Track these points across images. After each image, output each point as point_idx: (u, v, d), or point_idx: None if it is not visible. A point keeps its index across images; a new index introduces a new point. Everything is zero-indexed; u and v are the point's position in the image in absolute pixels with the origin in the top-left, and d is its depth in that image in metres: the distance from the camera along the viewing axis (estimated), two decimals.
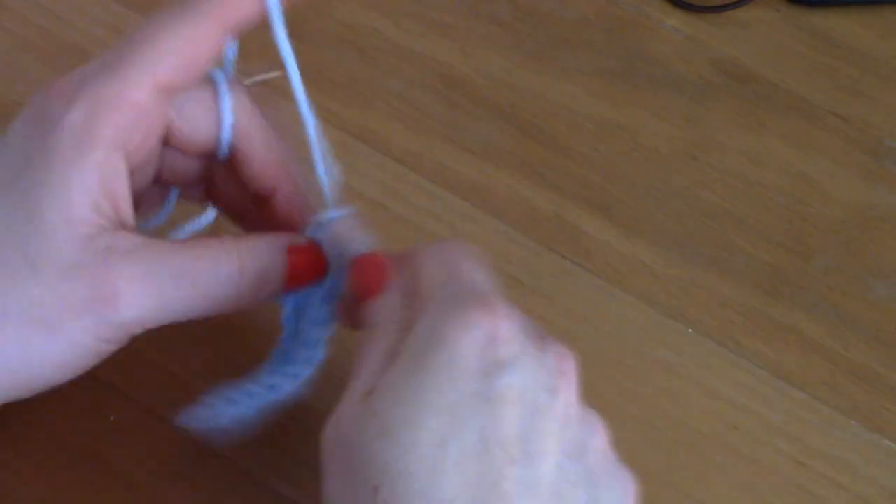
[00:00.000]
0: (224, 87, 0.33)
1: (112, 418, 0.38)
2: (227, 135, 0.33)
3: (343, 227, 0.33)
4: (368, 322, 0.31)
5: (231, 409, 0.32)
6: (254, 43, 0.35)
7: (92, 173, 0.29)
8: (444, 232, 0.43)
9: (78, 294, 0.28)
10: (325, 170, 0.34)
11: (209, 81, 0.33)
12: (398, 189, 0.44)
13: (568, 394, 0.28)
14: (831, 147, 0.48)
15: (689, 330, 0.42)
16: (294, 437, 0.38)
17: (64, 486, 0.36)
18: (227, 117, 0.33)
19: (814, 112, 0.49)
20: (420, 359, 0.27)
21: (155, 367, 0.39)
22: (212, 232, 0.40)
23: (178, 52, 0.31)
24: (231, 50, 0.37)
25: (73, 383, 0.38)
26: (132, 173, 0.31)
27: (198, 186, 0.36)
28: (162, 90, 0.31)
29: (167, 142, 0.33)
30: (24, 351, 0.29)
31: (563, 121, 0.48)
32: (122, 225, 0.30)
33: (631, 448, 0.40)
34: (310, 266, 0.32)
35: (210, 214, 0.39)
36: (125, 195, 0.31)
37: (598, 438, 0.29)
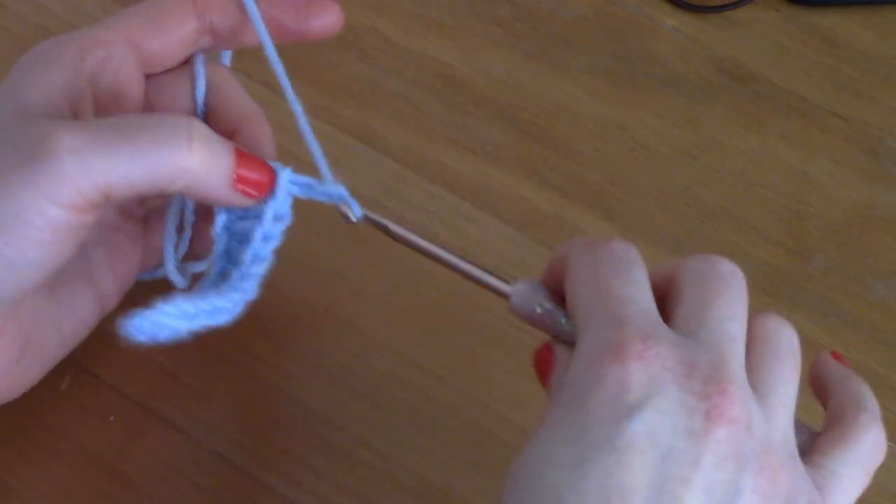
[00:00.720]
0: (199, 55, 0.35)
1: (112, 418, 0.38)
2: (201, 89, 0.35)
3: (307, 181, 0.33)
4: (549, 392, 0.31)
5: (171, 323, 0.31)
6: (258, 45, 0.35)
7: (48, 79, 0.31)
8: (444, 232, 0.43)
9: (13, 147, 0.28)
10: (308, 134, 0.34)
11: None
12: (398, 189, 0.44)
13: (719, 433, 0.26)
14: (831, 147, 0.48)
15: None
16: (294, 437, 0.38)
17: (64, 486, 0.36)
18: (201, 69, 0.35)
19: (814, 112, 0.49)
20: (560, 414, 0.27)
21: (155, 367, 0.39)
22: None
23: (143, 14, 0.33)
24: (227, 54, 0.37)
25: (74, 383, 0.38)
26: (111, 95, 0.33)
27: None
28: (130, 41, 0.33)
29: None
30: None
31: (563, 121, 0.48)
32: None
33: None
34: (258, 172, 0.32)
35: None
36: (86, 109, 0.32)
37: (763, 479, 0.26)
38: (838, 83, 0.50)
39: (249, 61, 0.39)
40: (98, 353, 0.38)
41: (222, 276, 0.33)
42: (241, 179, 0.31)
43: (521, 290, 0.32)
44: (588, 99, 0.48)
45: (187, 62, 0.35)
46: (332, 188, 0.33)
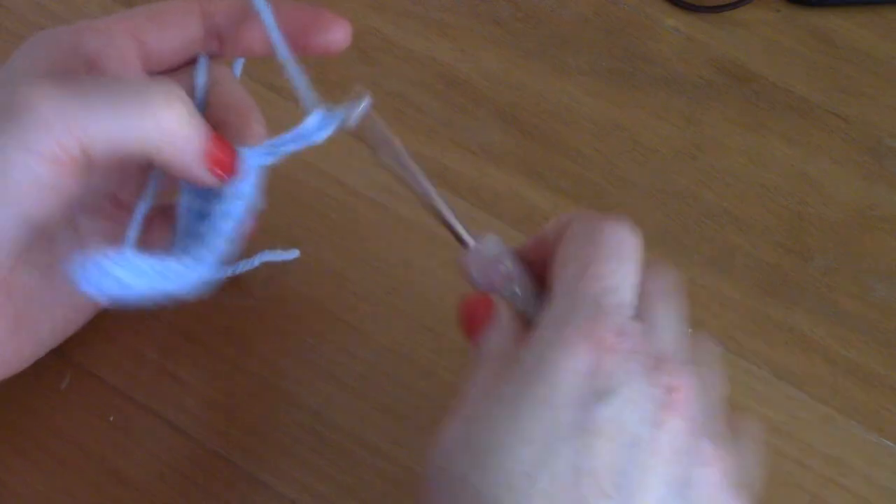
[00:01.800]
0: (202, 56, 0.35)
1: (112, 418, 0.38)
2: (201, 81, 0.35)
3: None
4: (478, 350, 0.31)
5: (117, 273, 0.30)
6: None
7: (44, 57, 0.31)
8: (443, 232, 0.43)
9: None
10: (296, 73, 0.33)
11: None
12: (398, 189, 0.44)
13: (676, 425, 0.27)
14: (831, 147, 0.48)
15: (689, 330, 0.42)
16: (294, 436, 0.38)
17: (64, 485, 0.36)
18: (203, 65, 0.35)
19: (814, 112, 0.49)
20: (521, 388, 0.27)
21: (155, 368, 0.39)
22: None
23: (147, 12, 0.34)
24: (238, 64, 0.37)
25: (74, 383, 0.38)
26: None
27: None
28: (132, 33, 0.33)
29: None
30: None
31: (563, 121, 0.48)
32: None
33: None
34: (226, 152, 0.32)
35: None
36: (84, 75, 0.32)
37: (710, 470, 0.28)
38: (838, 83, 0.50)
39: (249, 59, 0.39)
40: (98, 353, 0.38)
41: (182, 251, 0.33)
42: (210, 155, 0.31)
43: (491, 243, 0.32)
44: (588, 99, 0.48)
45: (191, 65, 0.35)
46: (313, 121, 0.33)
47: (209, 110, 0.35)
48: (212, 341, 0.40)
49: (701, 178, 0.47)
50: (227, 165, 0.32)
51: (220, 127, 0.33)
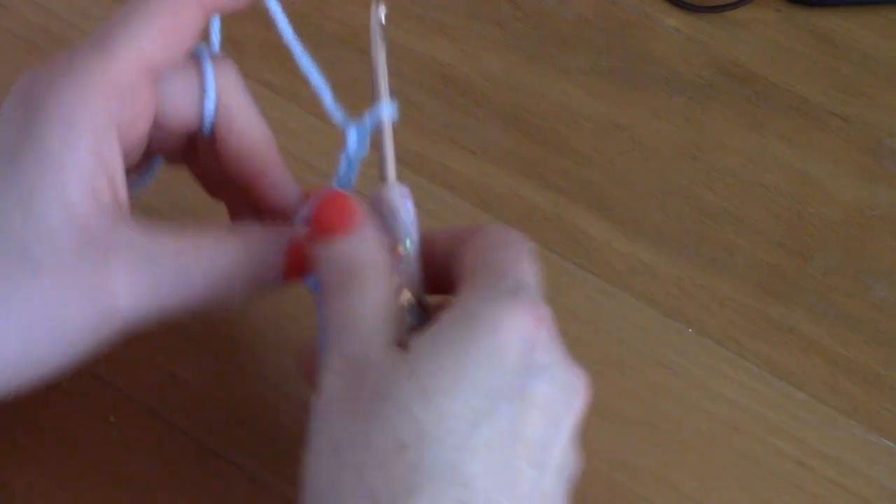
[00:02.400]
0: (208, 64, 0.33)
1: (112, 418, 0.38)
2: (210, 111, 0.33)
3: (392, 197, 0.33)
4: (338, 263, 0.30)
5: None
6: (253, 41, 0.35)
7: (86, 155, 0.29)
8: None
9: (77, 292, 0.28)
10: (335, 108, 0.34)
11: (193, 58, 0.33)
12: None
13: (577, 415, 0.29)
14: (831, 147, 0.48)
15: (689, 330, 0.42)
16: (294, 436, 0.38)
17: (64, 485, 0.36)
18: (211, 94, 0.33)
19: (814, 112, 0.49)
20: (467, 333, 0.27)
21: (155, 368, 0.39)
22: None
23: (162, 29, 0.30)
24: (216, 24, 0.36)
25: (74, 383, 0.38)
26: (125, 154, 0.31)
27: (181, 156, 0.36)
28: (149, 68, 0.30)
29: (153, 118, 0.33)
30: (25, 345, 0.28)
31: (563, 121, 0.48)
32: (118, 206, 0.30)
33: (631, 448, 0.40)
34: (308, 260, 0.32)
35: None
36: (120, 174, 0.30)
37: (572, 470, 0.30)
38: (838, 83, 0.50)
39: (249, 59, 0.39)
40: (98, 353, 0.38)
41: None
42: (292, 274, 0.32)
43: (405, 190, 0.32)
44: (588, 99, 0.48)
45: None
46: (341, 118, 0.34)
47: (222, 143, 0.34)
48: (212, 342, 0.40)
49: (701, 178, 0.47)
50: (311, 265, 0.32)
51: (238, 167, 0.34)
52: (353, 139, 0.33)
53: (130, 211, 0.31)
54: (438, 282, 0.32)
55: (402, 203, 0.32)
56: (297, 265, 0.32)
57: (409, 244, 0.32)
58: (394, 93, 0.48)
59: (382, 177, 0.33)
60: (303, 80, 0.48)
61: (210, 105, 0.33)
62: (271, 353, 0.40)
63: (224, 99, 0.33)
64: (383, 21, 0.34)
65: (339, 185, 0.34)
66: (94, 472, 0.37)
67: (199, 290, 0.30)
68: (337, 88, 0.33)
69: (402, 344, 0.28)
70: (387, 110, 0.34)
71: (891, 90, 0.50)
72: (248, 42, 0.35)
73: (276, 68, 0.47)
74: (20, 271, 0.28)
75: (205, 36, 0.34)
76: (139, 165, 0.35)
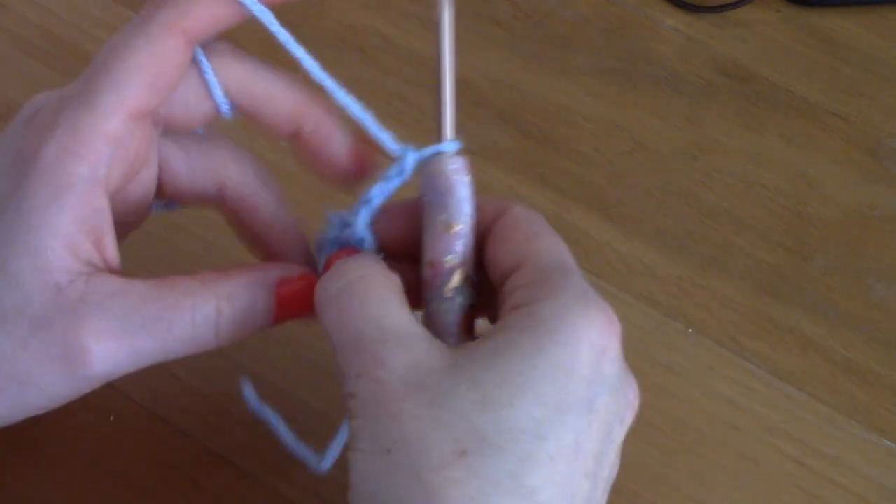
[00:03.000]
0: (204, 59, 0.31)
1: (112, 418, 0.38)
2: (220, 98, 0.32)
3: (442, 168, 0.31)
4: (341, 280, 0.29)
5: None
6: (252, 40, 0.35)
7: (67, 215, 0.28)
8: None
9: (47, 351, 0.28)
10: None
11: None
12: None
13: (627, 426, 0.29)
14: (831, 147, 0.48)
15: (689, 330, 0.42)
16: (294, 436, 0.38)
17: (64, 485, 0.36)
18: (216, 88, 0.32)
19: (814, 112, 0.49)
20: (536, 343, 0.27)
21: (155, 368, 0.39)
22: None
23: (148, 73, 0.29)
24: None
25: None
26: (134, 202, 0.31)
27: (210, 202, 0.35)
28: (137, 115, 0.29)
29: (175, 127, 0.32)
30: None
31: (563, 121, 0.48)
32: (103, 264, 0.29)
33: (631, 448, 0.40)
34: (303, 300, 0.31)
35: None
36: (107, 231, 0.30)
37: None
38: (838, 83, 0.50)
39: (243, 48, 0.39)
40: None
41: None
42: (282, 315, 0.31)
43: (463, 163, 0.31)
44: (588, 99, 0.48)
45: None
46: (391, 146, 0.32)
47: (259, 118, 0.33)
48: None
49: (701, 178, 0.47)
50: (307, 306, 0.31)
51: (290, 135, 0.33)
52: (409, 165, 0.31)
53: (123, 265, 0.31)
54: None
55: (461, 178, 0.30)
56: (287, 305, 0.31)
57: (465, 221, 0.30)
58: (394, 93, 0.48)
59: (438, 147, 0.31)
60: (303, 81, 0.48)
61: (218, 94, 0.32)
62: (272, 354, 0.40)
63: (233, 84, 0.32)
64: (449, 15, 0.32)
65: (369, 214, 0.32)
66: (94, 472, 0.37)
67: (176, 341, 0.29)
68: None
69: (450, 330, 0.29)
70: (448, 80, 0.31)
71: (891, 90, 0.50)
72: (245, 45, 0.35)
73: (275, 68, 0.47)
74: None
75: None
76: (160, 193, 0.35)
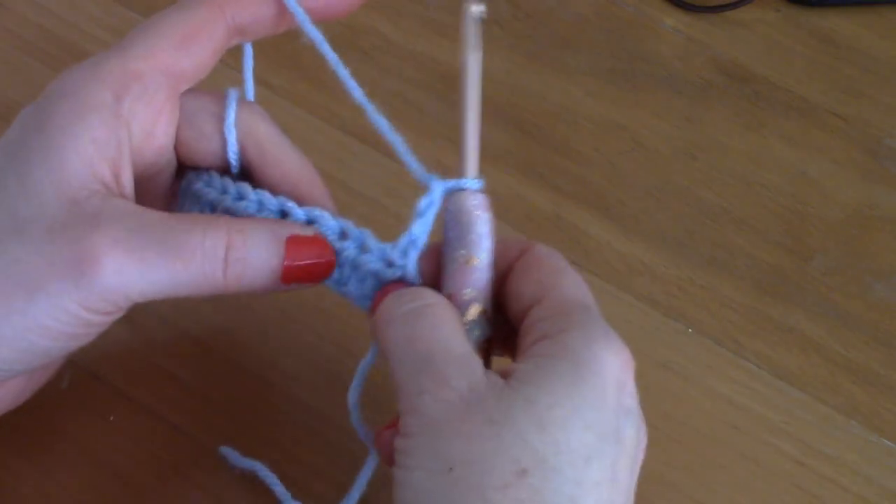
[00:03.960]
0: (232, 103, 0.33)
1: (112, 418, 0.38)
2: (233, 149, 0.33)
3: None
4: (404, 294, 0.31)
5: None
6: (259, 45, 0.35)
7: (88, 135, 0.29)
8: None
9: (59, 255, 0.28)
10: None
11: (220, 100, 0.33)
12: (398, 189, 0.44)
13: (640, 463, 0.30)
14: (831, 147, 0.48)
15: (689, 330, 0.42)
16: (294, 436, 0.38)
17: (64, 485, 0.36)
18: (232, 131, 0.33)
19: (814, 112, 0.49)
20: (575, 370, 0.28)
21: (155, 367, 0.39)
22: None
23: (180, 34, 0.31)
24: (248, 55, 0.36)
25: (74, 383, 0.38)
26: (152, 159, 0.32)
27: None
28: (164, 70, 0.31)
29: (179, 155, 0.33)
30: (6, 310, 0.28)
31: (563, 121, 0.48)
32: (118, 190, 0.30)
33: None
34: (313, 261, 0.31)
35: None
36: (125, 166, 0.30)
37: None
38: (838, 83, 0.50)
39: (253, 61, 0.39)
40: (98, 353, 0.38)
41: None
42: (291, 273, 0.31)
43: (483, 200, 0.32)
44: (588, 99, 0.48)
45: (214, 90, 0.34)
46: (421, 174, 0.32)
47: (257, 176, 0.34)
48: (212, 341, 0.40)
49: (701, 178, 0.47)
50: (316, 273, 0.32)
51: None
52: (437, 195, 0.32)
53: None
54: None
55: (481, 214, 0.32)
56: (296, 260, 0.31)
57: (484, 256, 0.31)
58: (394, 93, 0.48)
59: (461, 185, 0.32)
60: (303, 81, 0.49)
61: (232, 140, 0.33)
62: (272, 354, 0.40)
63: (250, 136, 0.33)
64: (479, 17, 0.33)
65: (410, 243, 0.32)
66: (94, 471, 0.37)
67: (186, 270, 0.29)
68: (337, 88, 0.33)
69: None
70: (473, 121, 0.33)
71: (891, 90, 0.50)
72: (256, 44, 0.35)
73: (275, 68, 0.47)
74: (5, 233, 0.28)
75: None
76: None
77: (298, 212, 0.32)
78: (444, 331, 0.29)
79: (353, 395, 0.33)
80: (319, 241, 0.31)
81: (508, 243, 0.32)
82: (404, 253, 0.31)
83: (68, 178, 0.29)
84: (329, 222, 0.32)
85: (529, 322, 0.30)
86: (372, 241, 0.32)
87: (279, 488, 0.35)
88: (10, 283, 0.28)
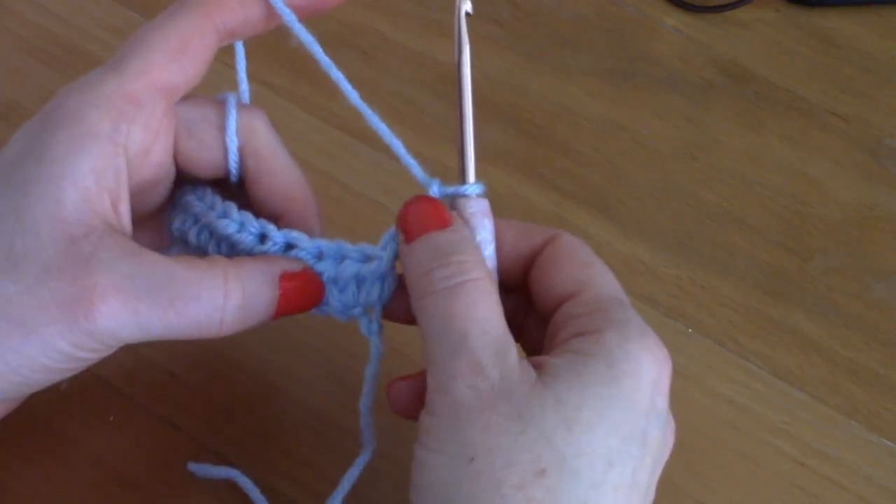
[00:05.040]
0: (232, 110, 0.33)
1: (112, 418, 0.38)
2: (233, 156, 0.33)
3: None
4: (441, 254, 0.30)
5: None
6: (252, 41, 0.35)
7: (86, 166, 0.29)
8: None
9: (54, 297, 0.28)
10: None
11: (219, 106, 0.33)
12: (398, 189, 0.44)
13: (663, 465, 0.30)
14: (831, 147, 0.48)
15: (689, 330, 0.42)
16: (293, 436, 0.38)
17: (64, 485, 0.36)
18: (234, 141, 0.33)
19: (814, 112, 0.49)
20: (609, 371, 0.28)
21: (155, 367, 0.39)
22: None
23: (173, 48, 0.31)
24: (240, 54, 0.36)
25: (74, 383, 0.38)
26: (149, 180, 0.32)
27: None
28: (160, 86, 0.30)
29: (179, 164, 0.33)
30: (1, 348, 0.28)
31: (563, 121, 0.48)
32: (116, 226, 0.30)
33: None
34: (304, 294, 0.32)
35: None
36: (123, 196, 0.30)
37: None
38: (838, 83, 0.50)
39: (248, 59, 0.39)
40: None
41: None
42: (285, 308, 0.31)
43: (485, 205, 0.32)
44: (588, 99, 0.48)
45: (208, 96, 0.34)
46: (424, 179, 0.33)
47: (253, 187, 0.34)
48: (211, 342, 0.40)
49: (701, 178, 0.47)
50: (308, 304, 0.32)
51: (272, 213, 0.34)
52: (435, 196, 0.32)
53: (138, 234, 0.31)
54: (507, 282, 0.32)
55: (482, 220, 0.31)
56: (290, 297, 0.31)
57: (487, 262, 0.31)
58: (394, 93, 0.48)
59: (461, 191, 0.32)
60: (303, 81, 0.49)
61: (233, 147, 0.33)
62: (271, 353, 0.40)
63: (249, 143, 0.33)
64: (466, 13, 0.33)
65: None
66: (94, 472, 0.37)
67: (180, 315, 0.29)
68: (337, 88, 0.33)
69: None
70: (470, 126, 0.33)
71: (891, 90, 0.50)
72: (246, 42, 0.35)
73: (276, 68, 0.47)
74: (2, 267, 0.28)
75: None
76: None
77: (277, 235, 0.32)
78: (482, 309, 0.29)
79: (364, 403, 0.33)
80: (307, 274, 0.32)
81: (532, 229, 0.32)
82: (384, 246, 0.32)
83: (66, 214, 0.29)
84: (305, 245, 0.32)
85: (563, 317, 0.30)
86: (347, 248, 0.32)
87: (255, 493, 0.35)
88: (6, 323, 0.28)
